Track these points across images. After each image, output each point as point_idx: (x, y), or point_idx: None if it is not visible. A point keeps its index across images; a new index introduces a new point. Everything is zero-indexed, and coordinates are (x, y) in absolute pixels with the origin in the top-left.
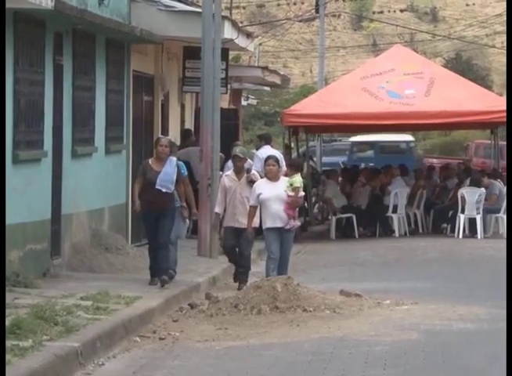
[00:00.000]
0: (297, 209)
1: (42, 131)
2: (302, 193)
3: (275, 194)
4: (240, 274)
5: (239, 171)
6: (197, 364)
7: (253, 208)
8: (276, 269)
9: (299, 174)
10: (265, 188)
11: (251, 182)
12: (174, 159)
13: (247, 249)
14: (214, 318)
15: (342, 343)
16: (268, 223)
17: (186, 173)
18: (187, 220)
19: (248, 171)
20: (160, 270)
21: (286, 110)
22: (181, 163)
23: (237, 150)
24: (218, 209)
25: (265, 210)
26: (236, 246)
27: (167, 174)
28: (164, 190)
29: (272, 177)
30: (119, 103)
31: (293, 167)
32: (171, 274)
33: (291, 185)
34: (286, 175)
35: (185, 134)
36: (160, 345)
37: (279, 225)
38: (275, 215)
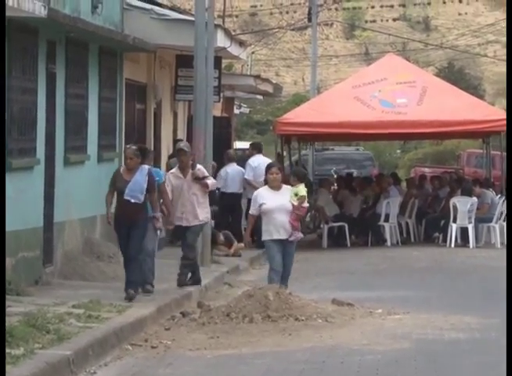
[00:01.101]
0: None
1: (35, 139)
2: (307, 204)
3: (280, 204)
4: (183, 267)
5: (184, 167)
6: (189, 373)
7: (252, 218)
8: (279, 281)
9: (303, 184)
10: (267, 198)
11: (197, 178)
12: (145, 167)
13: (193, 241)
14: (205, 327)
15: (334, 352)
16: (274, 235)
17: (164, 179)
18: (158, 231)
19: (193, 167)
20: (128, 283)
21: (279, 118)
22: (156, 170)
23: (181, 144)
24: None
25: (268, 220)
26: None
27: (137, 183)
28: (132, 201)
29: (276, 186)
30: (111, 110)
31: (298, 176)
32: (147, 289)
33: (296, 194)
34: (285, 182)
35: (176, 143)
36: (151, 353)
37: (283, 236)
38: (280, 226)
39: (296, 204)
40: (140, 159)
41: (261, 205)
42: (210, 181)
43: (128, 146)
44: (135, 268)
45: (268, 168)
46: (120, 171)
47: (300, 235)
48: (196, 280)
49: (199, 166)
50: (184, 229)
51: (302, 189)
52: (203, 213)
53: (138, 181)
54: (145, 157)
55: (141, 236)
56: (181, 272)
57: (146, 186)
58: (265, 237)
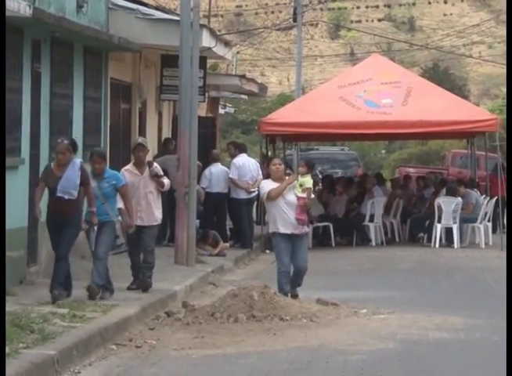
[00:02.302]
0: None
1: (20, 138)
2: (312, 195)
3: (281, 197)
4: (144, 270)
5: (140, 164)
6: (173, 372)
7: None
8: (289, 283)
9: (309, 174)
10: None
11: (156, 176)
12: (77, 162)
13: (151, 245)
14: (190, 326)
15: (319, 352)
16: (280, 228)
17: (123, 182)
18: (121, 236)
19: (150, 164)
20: (54, 283)
21: (264, 118)
22: (115, 173)
23: (139, 139)
24: (120, 204)
25: (274, 213)
26: (139, 245)
27: (69, 179)
28: (66, 197)
29: (278, 178)
30: (96, 110)
31: (308, 165)
32: (92, 289)
33: (301, 185)
34: (285, 173)
35: (165, 142)
36: (136, 353)
37: (290, 231)
38: (287, 221)
39: (301, 195)
40: (72, 154)
41: (263, 196)
42: (167, 180)
43: (59, 140)
44: (63, 268)
45: (270, 160)
46: (50, 167)
47: (306, 229)
48: (144, 286)
49: (156, 164)
50: (138, 228)
51: (308, 181)
52: (159, 213)
53: (71, 176)
54: (76, 151)
55: (73, 234)
56: (144, 277)
57: (79, 181)
58: (272, 229)
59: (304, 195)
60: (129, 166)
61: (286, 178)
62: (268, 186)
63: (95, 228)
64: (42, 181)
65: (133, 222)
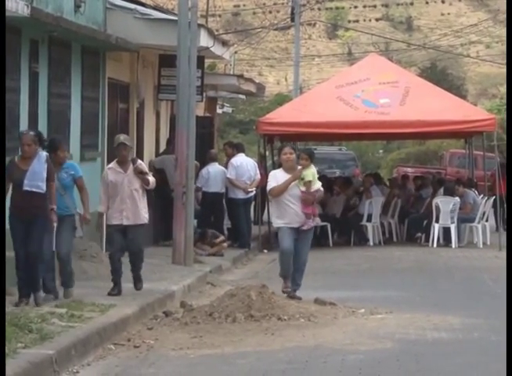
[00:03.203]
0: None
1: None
2: (317, 187)
3: (291, 188)
4: (135, 276)
5: (124, 162)
6: (171, 372)
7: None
8: (292, 265)
9: (312, 166)
10: (279, 180)
11: (141, 173)
12: (43, 154)
13: (139, 247)
14: (188, 326)
15: (317, 352)
16: (283, 221)
17: (81, 174)
18: (76, 233)
19: (134, 161)
20: (34, 283)
21: (261, 118)
22: (72, 163)
23: (121, 137)
24: (101, 208)
25: (279, 206)
26: (124, 248)
27: (36, 172)
28: (34, 190)
29: (289, 167)
30: (94, 110)
31: (309, 155)
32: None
33: (302, 179)
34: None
35: (167, 142)
36: (134, 352)
37: (294, 225)
38: (291, 213)
39: (303, 189)
40: (38, 146)
41: (268, 190)
42: (152, 178)
43: (24, 131)
44: (42, 267)
45: (281, 148)
46: (15, 160)
47: (314, 222)
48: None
49: (140, 161)
50: (122, 228)
51: (309, 174)
52: (145, 212)
53: (37, 169)
54: (42, 145)
55: (42, 232)
56: (136, 281)
57: (45, 174)
58: (276, 224)
59: (305, 188)
60: (112, 164)
61: (298, 167)
62: (276, 177)
63: (76, 233)
64: (7, 177)
65: (88, 215)
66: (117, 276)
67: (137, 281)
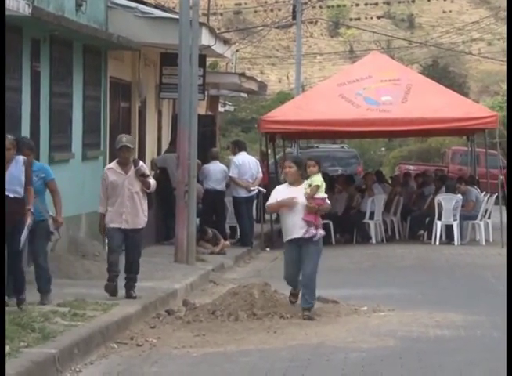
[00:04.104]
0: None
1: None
2: (323, 195)
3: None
4: (129, 281)
5: (125, 163)
6: (174, 371)
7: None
8: (298, 285)
9: (319, 173)
10: (282, 194)
11: (143, 176)
12: (21, 158)
13: (137, 252)
14: (191, 325)
15: (319, 350)
16: (287, 235)
17: (52, 176)
18: (52, 236)
19: (136, 163)
20: (19, 287)
21: (263, 116)
22: (42, 164)
23: (124, 139)
24: (101, 209)
25: (283, 219)
26: (122, 251)
27: (14, 176)
28: (11, 196)
29: (293, 181)
30: (96, 109)
31: (318, 164)
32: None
33: (310, 185)
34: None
35: (170, 142)
36: (137, 351)
37: (296, 235)
38: (292, 225)
39: (309, 192)
40: (15, 151)
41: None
42: (153, 181)
43: (8, 136)
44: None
45: (284, 162)
46: None
47: (318, 232)
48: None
49: (141, 163)
50: (121, 232)
51: (317, 179)
52: (144, 215)
53: (15, 173)
54: (20, 148)
55: (21, 236)
56: (128, 288)
57: (23, 178)
58: (284, 239)
59: (310, 193)
60: (112, 164)
61: (305, 181)
62: (277, 192)
63: (52, 237)
64: None
65: (61, 218)
66: (114, 274)
67: (129, 289)
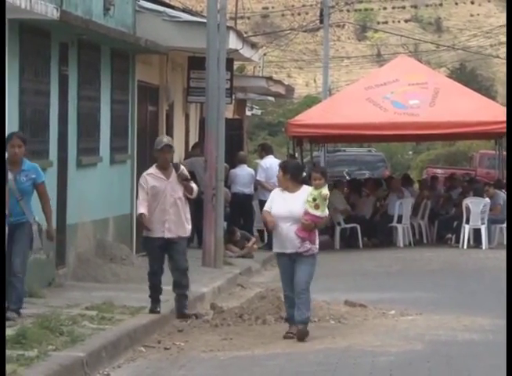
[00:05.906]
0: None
1: (48, 141)
2: (325, 213)
3: (288, 211)
4: (180, 298)
5: (165, 167)
6: (202, 374)
7: (264, 214)
8: (293, 307)
9: (326, 186)
10: (276, 202)
11: (186, 180)
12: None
13: (184, 263)
14: (218, 328)
15: (347, 354)
16: (280, 247)
17: (43, 178)
18: (36, 239)
19: (177, 167)
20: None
21: (291, 120)
22: (34, 165)
23: (165, 139)
24: (143, 209)
25: (275, 229)
26: (163, 263)
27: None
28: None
29: (287, 187)
30: (124, 113)
31: (322, 173)
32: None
33: (315, 200)
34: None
35: (193, 146)
36: (164, 355)
37: (289, 250)
38: (285, 238)
39: (311, 212)
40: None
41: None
42: (195, 186)
43: (16, 132)
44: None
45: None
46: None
47: (312, 247)
48: (182, 316)
49: (182, 166)
50: (163, 242)
51: (323, 192)
52: (188, 223)
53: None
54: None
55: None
56: (180, 305)
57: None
58: (274, 249)
59: (316, 213)
60: (152, 169)
61: (304, 187)
62: (273, 198)
63: (34, 244)
64: None
65: (52, 229)
66: (157, 294)
67: (181, 303)
